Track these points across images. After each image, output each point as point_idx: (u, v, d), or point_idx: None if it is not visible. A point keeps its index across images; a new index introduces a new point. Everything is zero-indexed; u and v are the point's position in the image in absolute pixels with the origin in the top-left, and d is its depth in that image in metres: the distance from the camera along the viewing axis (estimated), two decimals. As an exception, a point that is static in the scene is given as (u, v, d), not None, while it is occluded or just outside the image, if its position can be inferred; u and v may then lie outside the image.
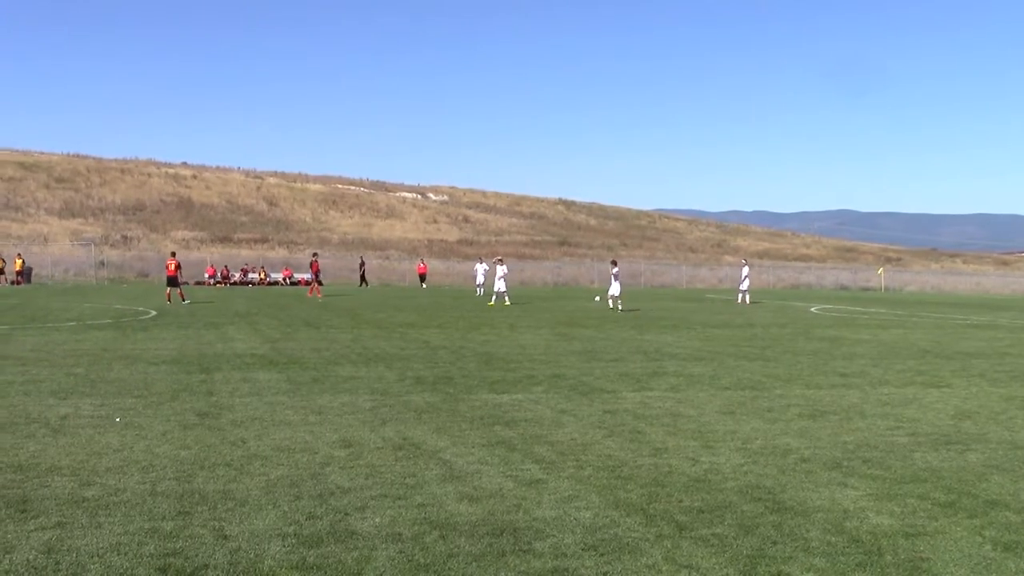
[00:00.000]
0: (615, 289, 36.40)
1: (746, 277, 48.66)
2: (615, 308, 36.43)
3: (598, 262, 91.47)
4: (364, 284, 70.98)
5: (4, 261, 64.91)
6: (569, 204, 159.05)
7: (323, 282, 56.00)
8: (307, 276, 73.23)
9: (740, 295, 48.31)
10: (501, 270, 44.02)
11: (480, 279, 53.28)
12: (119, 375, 15.08)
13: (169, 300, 38.27)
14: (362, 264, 72.88)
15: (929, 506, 7.77)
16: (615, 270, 36.66)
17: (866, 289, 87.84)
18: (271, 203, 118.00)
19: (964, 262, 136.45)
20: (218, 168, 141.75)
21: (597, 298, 49.21)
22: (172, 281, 38.63)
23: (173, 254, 40.99)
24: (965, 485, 8.50)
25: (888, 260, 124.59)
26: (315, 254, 55.40)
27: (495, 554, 6.37)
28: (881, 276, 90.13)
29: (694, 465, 9.11)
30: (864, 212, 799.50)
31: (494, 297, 42.49)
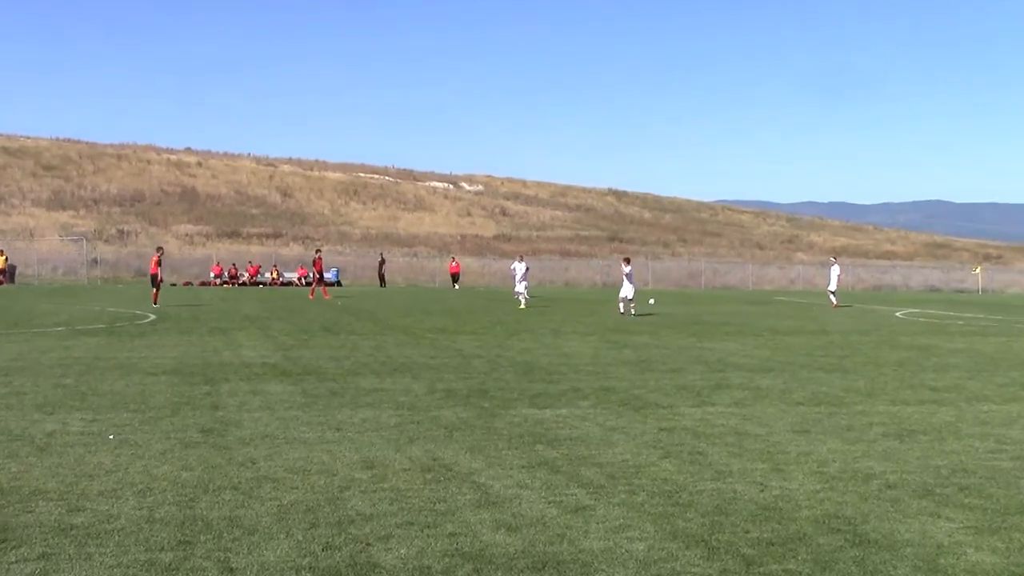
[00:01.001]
0: (627, 291, 35.87)
1: (836, 277, 48.55)
2: (627, 312, 35.96)
3: (654, 260, 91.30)
4: (383, 284, 71.21)
5: (-14, 258, 65.72)
6: (620, 195, 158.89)
7: (328, 282, 56.50)
8: (328, 275, 73.76)
9: (831, 297, 48.35)
10: (521, 268, 44.00)
11: (520, 286, 53.84)
12: (113, 387, 15.20)
13: (155, 302, 38.23)
14: (382, 262, 72.97)
15: (1036, 540, 7.65)
16: (628, 269, 36.19)
17: (960, 291, 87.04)
18: (285, 194, 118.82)
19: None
20: (226, 155, 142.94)
21: (652, 301, 49.20)
22: (154, 279, 38.77)
23: (159, 248, 40.89)
24: (1077, 516, 8.36)
25: (986, 258, 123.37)
26: (318, 250, 55.62)
27: (536, 591, 6.33)
28: (978, 276, 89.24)
29: (763, 491, 9.03)
30: (958, 203, 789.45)
31: (522, 300, 42.44)
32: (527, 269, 45.16)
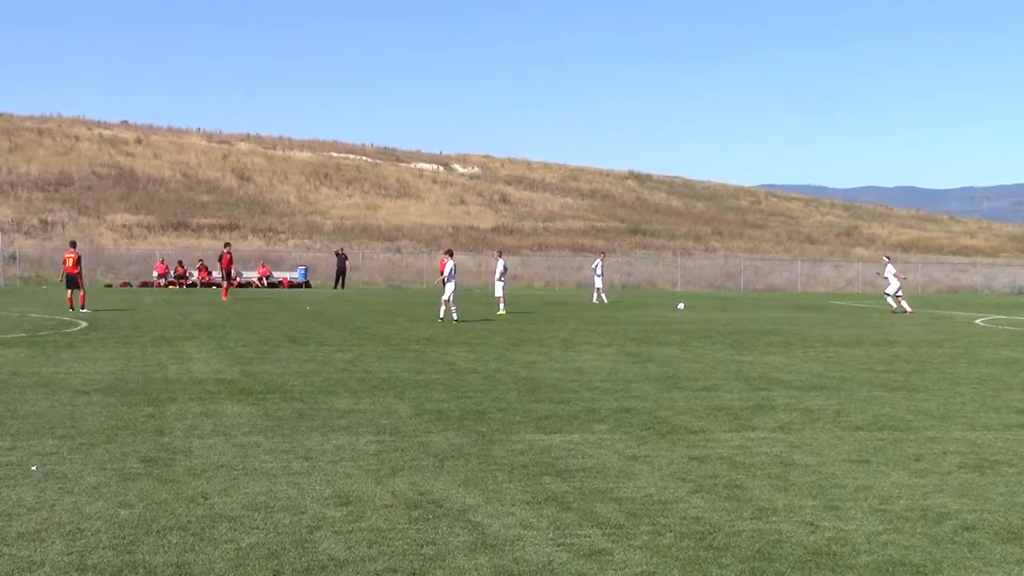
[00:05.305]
0: (449, 291, 35.40)
1: (893, 276, 47.29)
2: (447, 317, 35.43)
3: (684, 256, 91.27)
4: (341, 285, 71.06)
5: None
6: (643, 179, 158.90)
7: (237, 283, 56.77)
8: (294, 276, 73.65)
9: (901, 303, 47.16)
10: (500, 267, 43.72)
11: (599, 282, 54.54)
12: (36, 407, 15.22)
13: (71, 307, 38.54)
14: (342, 258, 72.54)
15: None
16: (451, 264, 35.66)
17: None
18: (242, 177, 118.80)
19: None
20: (170, 130, 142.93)
21: (681, 305, 49.33)
22: (72, 281, 39.12)
23: (73, 244, 41.78)
24: None
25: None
26: (227, 244, 56.10)
27: (542, 651, 6.37)
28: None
29: (813, 532, 9.06)
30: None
31: (501, 305, 41.99)
32: (505, 269, 44.56)
